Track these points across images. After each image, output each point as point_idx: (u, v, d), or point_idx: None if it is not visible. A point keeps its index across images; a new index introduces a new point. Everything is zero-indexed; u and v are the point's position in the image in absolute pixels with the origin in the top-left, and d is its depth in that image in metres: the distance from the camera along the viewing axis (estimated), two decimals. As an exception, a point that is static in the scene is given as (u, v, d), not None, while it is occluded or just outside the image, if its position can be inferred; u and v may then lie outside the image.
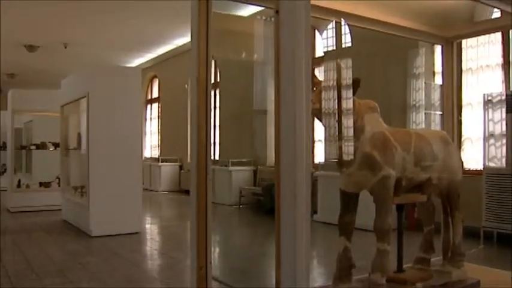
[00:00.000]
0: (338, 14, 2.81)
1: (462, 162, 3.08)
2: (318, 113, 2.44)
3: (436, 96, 3.25)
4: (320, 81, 2.48)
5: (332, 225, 7.65)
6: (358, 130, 2.48)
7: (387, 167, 2.47)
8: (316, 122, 2.58)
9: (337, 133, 2.40)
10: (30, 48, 12.71)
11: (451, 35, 3.60)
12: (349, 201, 2.60)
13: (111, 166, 6.75)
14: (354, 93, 2.40)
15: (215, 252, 6.18)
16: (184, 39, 12.76)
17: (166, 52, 14.07)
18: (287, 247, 1.68)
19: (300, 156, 1.61)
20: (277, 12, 1.72)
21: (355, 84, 2.38)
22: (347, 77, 2.33)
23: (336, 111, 2.33)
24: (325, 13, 2.84)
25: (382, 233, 2.46)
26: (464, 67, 6.97)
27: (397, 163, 2.52)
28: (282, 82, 1.71)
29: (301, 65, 1.65)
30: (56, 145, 9.43)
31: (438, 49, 7.58)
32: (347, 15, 2.82)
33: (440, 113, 3.45)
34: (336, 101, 2.34)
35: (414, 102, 7.75)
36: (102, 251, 5.85)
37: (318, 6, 2.81)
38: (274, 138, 1.72)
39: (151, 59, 14.81)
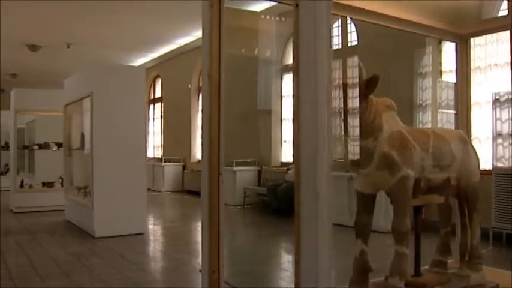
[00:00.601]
0: (352, 10, 2.72)
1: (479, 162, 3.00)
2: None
3: (450, 94, 3.16)
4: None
5: (337, 226, 7.59)
6: (375, 129, 2.38)
7: (406, 167, 2.38)
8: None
9: (355, 132, 2.31)
10: (33, 47, 12.64)
11: (465, 32, 3.51)
12: (366, 202, 2.51)
13: (115, 166, 6.67)
14: (372, 91, 2.32)
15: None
16: (187, 38, 12.69)
17: (169, 52, 14.00)
18: (308, 248, 1.59)
19: (322, 155, 1.53)
20: (296, 5, 1.64)
21: (374, 82, 2.29)
22: (362, 74, 2.23)
23: (352, 110, 2.24)
24: (337, 8, 2.75)
25: (401, 236, 2.37)
26: (472, 66, 6.88)
27: (415, 163, 2.44)
28: (302, 78, 1.63)
29: (322, 61, 1.57)
30: (59, 145, 9.37)
31: (445, 48, 7.51)
32: (361, 11, 2.74)
33: (455, 111, 3.37)
34: (353, 99, 2.25)
35: (421, 102, 7.66)
36: (106, 252, 5.77)
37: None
38: (293, 135, 1.63)
39: (154, 59, 14.75)
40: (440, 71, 7.52)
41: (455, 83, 3.45)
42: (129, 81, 6.88)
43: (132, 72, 7.36)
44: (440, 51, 7.54)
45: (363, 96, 2.27)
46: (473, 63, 6.88)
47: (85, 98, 7.11)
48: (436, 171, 2.55)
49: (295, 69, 1.69)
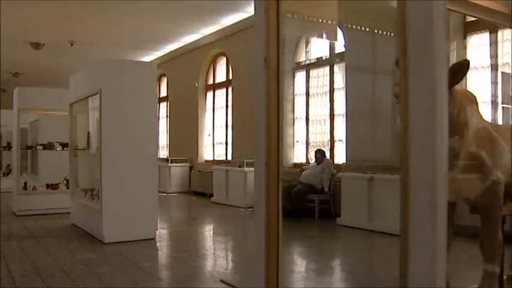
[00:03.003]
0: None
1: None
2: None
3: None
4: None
5: (356, 229, 7.25)
6: (461, 125, 2.01)
7: (496, 170, 2.02)
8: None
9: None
10: (36, 45, 12.32)
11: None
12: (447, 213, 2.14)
13: (125, 167, 6.32)
14: (459, 81, 1.95)
15: (234, 257, 5.75)
16: (194, 36, 12.36)
17: (175, 50, 13.67)
18: (421, 274, 1.24)
19: (441, 161, 1.19)
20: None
21: (462, 69, 1.92)
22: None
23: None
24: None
25: (492, 251, 2.00)
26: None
27: (505, 165, 2.07)
28: (415, 77, 1.30)
29: (439, 54, 1.24)
30: (63, 145, 9.01)
31: (470, 43, 7.16)
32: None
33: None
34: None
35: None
36: (117, 259, 5.40)
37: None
38: (401, 136, 1.28)
39: (159, 57, 14.41)
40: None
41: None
42: (139, 78, 6.51)
43: (143, 68, 6.97)
44: (465, 47, 7.19)
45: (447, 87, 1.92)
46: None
47: (93, 95, 6.73)
48: None
49: (403, 68, 1.35)
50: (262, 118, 1.73)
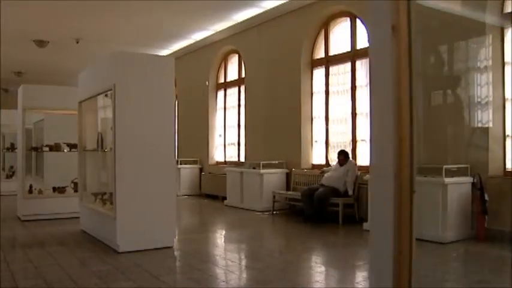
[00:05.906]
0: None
1: None
2: None
3: None
4: None
5: (425, 242, 6.64)
6: None
7: None
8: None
9: None
10: (40, 43, 11.87)
11: None
12: None
13: (141, 170, 5.85)
14: None
15: (265, 268, 5.25)
16: (204, 33, 11.91)
17: (184, 47, 13.22)
18: None
19: None
20: None
21: None
22: None
23: None
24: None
25: None
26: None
27: None
28: None
29: None
30: (71, 146, 8.53)
31: (509, 36, 6.67)
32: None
33: None
34: None
35: (480, 99, 6.86)
36: (136, 272, 4.89)
37: None
38: None
39: (167, 56, 13.93)
40: (503, 63, 6.68)
41: None
42: (156, 73, 6.05)
43: (160, 62, 6.49)
44: (502, 39, 6.70)
45: None
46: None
47: (106, 92, 6.24)
48: None
49: None
50: (389, 108, 1.24)
